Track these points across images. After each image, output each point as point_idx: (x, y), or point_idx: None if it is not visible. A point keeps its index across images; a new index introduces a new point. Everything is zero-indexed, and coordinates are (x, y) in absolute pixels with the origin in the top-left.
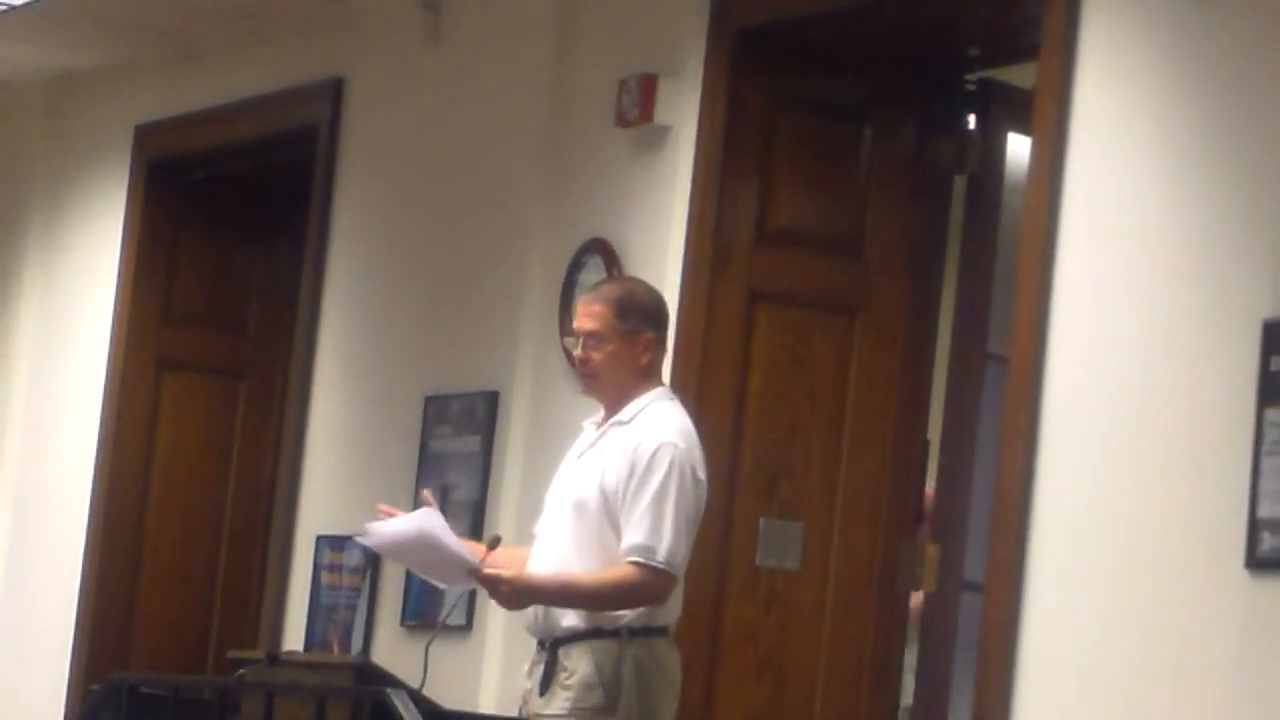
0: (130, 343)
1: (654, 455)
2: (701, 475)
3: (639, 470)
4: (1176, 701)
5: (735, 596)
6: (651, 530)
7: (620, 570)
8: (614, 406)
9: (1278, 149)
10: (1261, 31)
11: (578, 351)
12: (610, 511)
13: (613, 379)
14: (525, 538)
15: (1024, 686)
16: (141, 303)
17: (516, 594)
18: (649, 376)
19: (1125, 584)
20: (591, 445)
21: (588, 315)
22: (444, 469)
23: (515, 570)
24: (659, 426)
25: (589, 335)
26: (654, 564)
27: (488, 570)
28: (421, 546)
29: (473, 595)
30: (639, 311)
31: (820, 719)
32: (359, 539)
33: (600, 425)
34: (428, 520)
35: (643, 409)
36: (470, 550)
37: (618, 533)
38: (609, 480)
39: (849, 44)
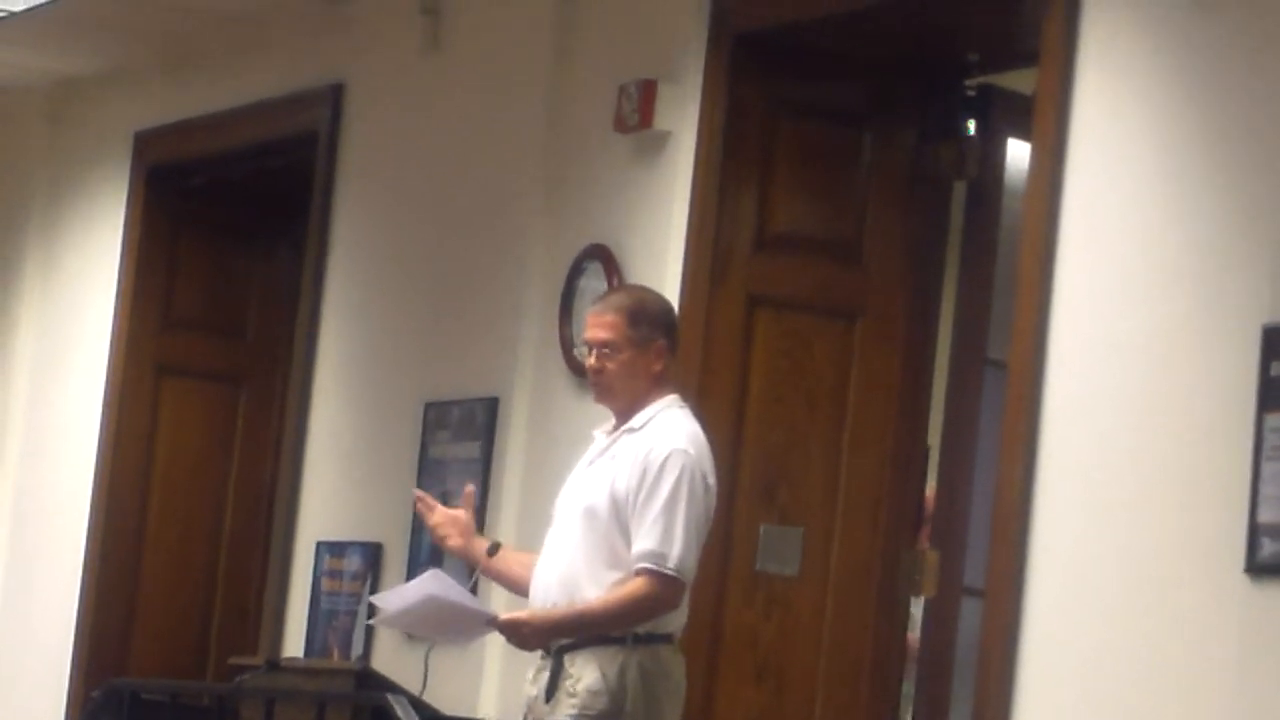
0: (130, 348)
1: (665, 462)
2: (711, 482)
3: (649, 477)
4: (1177, 707)
5: (735, 602)
6: (663, 537)
7: (632, 585)
8: (625, 414)
9: (1276, 154)
10: (1261, 39)
11: (591, 361)
12: (620, 518)
13: (626, 388)
14: (525, 543)
15: (1024, 691)
16: (141, 308)
17: (538, 633)
18: (660, 384)
19: (1125, 589)
20: (602, 453)
21: (600, 325)
22: (444, 475)
23: (530, 610)
24: (669, 433)
25: (601, 345)
26: (665, 571)
27: (506, 616)
28: (434, 608)
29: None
30: (650, 320)
31: None
32: (370, 621)
33: (611, 433)
34: (434, 583)
35: (653, 416)
36: (456, 521)
37: (628, 540)
38: (619, 487)
39: (849, 49)
